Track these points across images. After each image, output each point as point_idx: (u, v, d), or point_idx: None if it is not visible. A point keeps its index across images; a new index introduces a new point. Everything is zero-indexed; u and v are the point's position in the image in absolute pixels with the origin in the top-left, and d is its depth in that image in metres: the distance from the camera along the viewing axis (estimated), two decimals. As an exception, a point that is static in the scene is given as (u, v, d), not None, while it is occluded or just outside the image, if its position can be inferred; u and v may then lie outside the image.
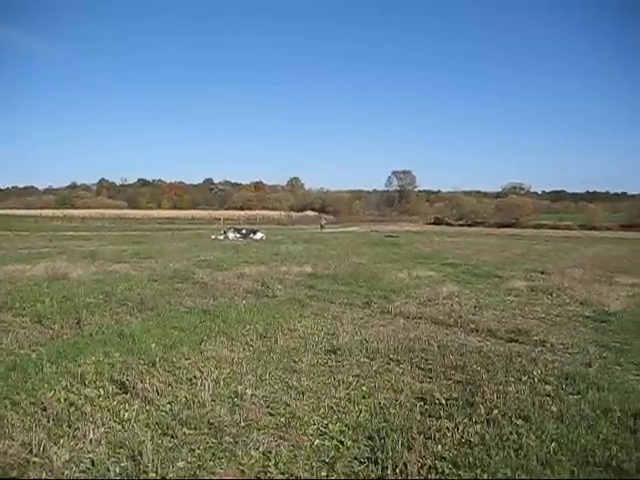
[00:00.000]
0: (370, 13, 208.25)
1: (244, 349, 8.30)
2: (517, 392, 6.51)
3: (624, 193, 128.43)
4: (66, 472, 4.48)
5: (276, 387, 6.67)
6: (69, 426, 5.30)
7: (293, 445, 5.07)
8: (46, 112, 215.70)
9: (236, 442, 5.08)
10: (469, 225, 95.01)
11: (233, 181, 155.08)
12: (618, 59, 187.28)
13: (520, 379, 7.05)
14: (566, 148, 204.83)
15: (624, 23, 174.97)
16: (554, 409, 6.00)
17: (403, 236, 51.00)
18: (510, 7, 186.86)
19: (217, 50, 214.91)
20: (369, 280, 16.45)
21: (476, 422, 5.58)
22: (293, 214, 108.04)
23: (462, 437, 5.22)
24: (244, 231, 43.83)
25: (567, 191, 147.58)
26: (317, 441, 5.17)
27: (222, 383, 6.66)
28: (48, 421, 5.40)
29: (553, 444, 5.05)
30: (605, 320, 11.42)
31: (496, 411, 5.84)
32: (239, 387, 6.51)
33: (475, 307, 12.50)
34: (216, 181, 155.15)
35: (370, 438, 5.23)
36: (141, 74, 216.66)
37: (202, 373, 6.95)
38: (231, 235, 41.94)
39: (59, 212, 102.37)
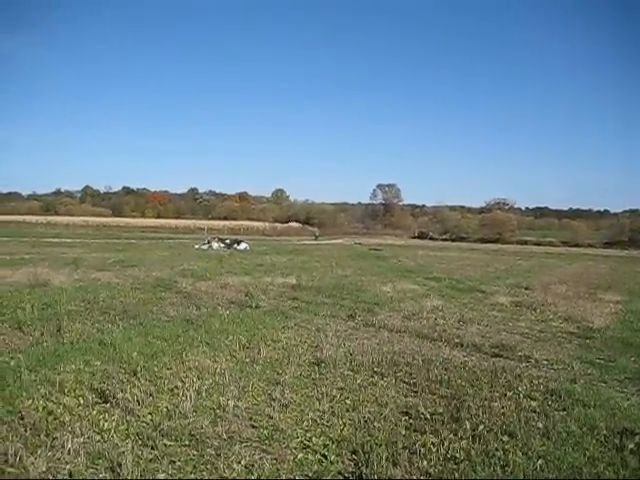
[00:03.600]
0: (358, 21, 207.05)
1: (227, 360, 8.20)
2: (502, 408, 6.47)
3: (607, 211, 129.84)
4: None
5: (259, 399, 6.58)
6: (47, 435, 5.18)
7: (276, 459, 4.99)
8: (31, 118, 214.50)
9: (218, 455, 4.99)
10: (453, 240, 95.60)
11: (218, 191, 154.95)
12: (605, 78, 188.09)
13: (505, 394, 7.01)
14: (550, 165, 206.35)
15: (619, 42, 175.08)
16: (540, 425, 5.95)
17: (387, 249, 51.10)
18: (501, 19, 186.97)
19: (204, 60, 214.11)
20: (353, 292, 16.42)
21: (462, 438, 5.52)
22: (277, 225, 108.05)
23: (447, 453, 5.15)
24: (228, 241, 43.75)
25: (550, 208, 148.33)
26: (300, 455, 5.08)
27: (204, 394, 6.57)
28: (25, 430, 5.27)
29: (540, 461, 4.99)
30: (589, 336, 11.41)
31: (482, 427, 5.78)
32: (222, 398, 6.42)
33: (459, 321, 12.46)
34: (201, 191, 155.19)
35: (354, 452, 5.15)
36: (128, 83, 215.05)
37: (184, 383, 6.84)
38: (215, 245, 41.89)
39: (42, 218, 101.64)
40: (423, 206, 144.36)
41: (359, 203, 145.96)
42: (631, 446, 5.45)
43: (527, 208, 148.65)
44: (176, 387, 6.73)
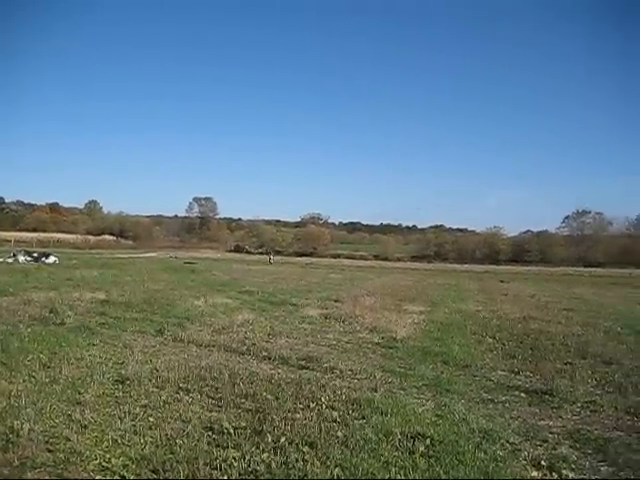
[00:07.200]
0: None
1: (25, 380, 7.79)
2: (305, 419, 6.62)
3: (415, 226, 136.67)
4: None
5: (57, 421, 6.30)
6: None
7: (71, 483, 4.81)
8: None
9: (7, 484, 4.73)
10: (268, 253, 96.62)
11: (26, 201, 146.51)
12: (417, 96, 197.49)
13: (309, 406, 7.17)
14: (363, 181, 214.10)
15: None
16: (340, 434, 6.14)
17: (202, 263, 50.98)
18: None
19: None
20: (164, 307, 16.22)
21: (263, 450, 5.59)
22: (90, 238, 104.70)
23: (249, 466, 5.20)
24: (35, 254, 41.78)
25: (363, 223, 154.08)
26: (98, 477, 4.93)
27: (-4, 419, 6.21)
28: None
29: (337, 469, 5.16)
30: (392, 346, 11.92)
31: (283, 439, 5.88)
32: (16, 422, 6.07)
33: (269, 335, 12.62)
34: (7, 201, 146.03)
35: (155, 471, 5.08)
36: None
37: (-27, 410, 6.43)
38: (21, 258, 39.80)
39: None
40: (239, 220, 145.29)
41: (175, 216, 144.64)
42: (422, 449, 5.77)
43: (341, 223, 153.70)
44: (-36, 415, 6.31)
